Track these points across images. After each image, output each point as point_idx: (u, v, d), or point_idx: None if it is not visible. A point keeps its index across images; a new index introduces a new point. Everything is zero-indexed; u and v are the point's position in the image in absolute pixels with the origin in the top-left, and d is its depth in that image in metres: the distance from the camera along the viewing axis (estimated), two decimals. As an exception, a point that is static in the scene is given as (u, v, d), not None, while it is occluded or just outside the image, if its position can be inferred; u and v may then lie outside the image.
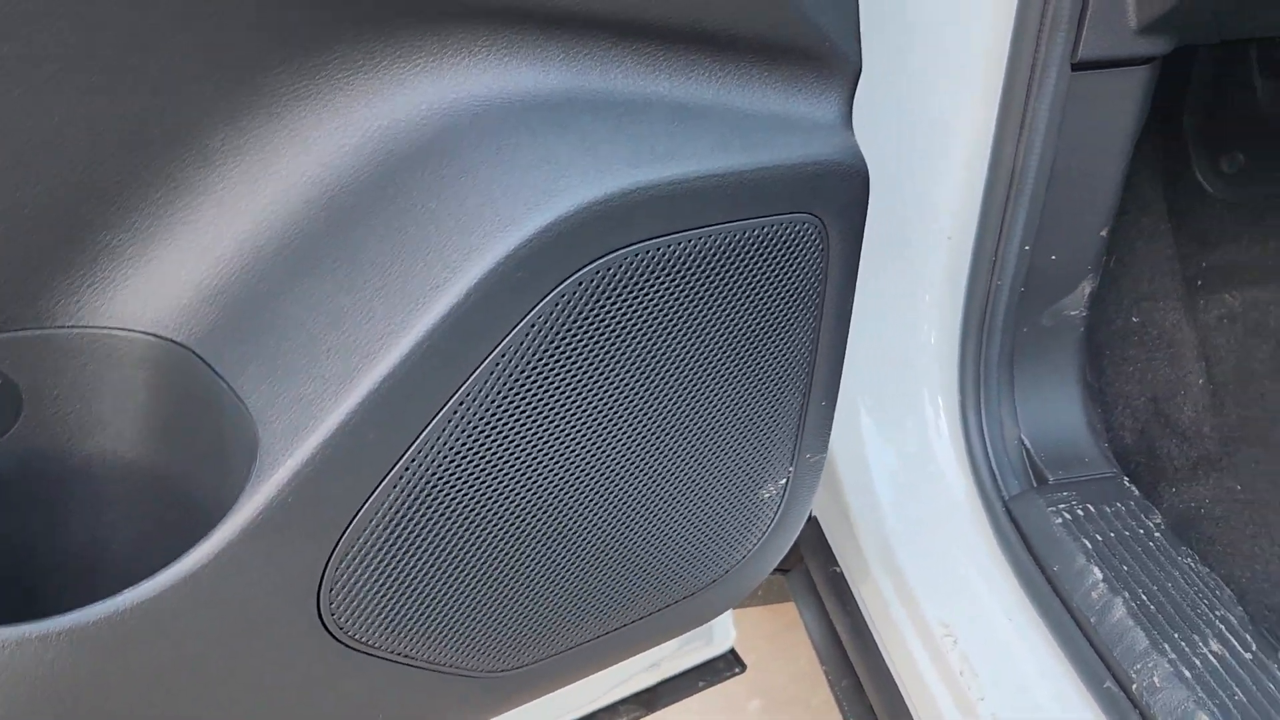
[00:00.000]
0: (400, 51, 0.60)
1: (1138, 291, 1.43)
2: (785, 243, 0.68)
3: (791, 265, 0.69)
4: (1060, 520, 1.03)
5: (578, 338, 0.62)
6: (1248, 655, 0.90)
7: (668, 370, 0.68)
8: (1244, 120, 1.59)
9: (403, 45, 0.60)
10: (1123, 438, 1.32)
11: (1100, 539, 1.02)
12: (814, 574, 1.29)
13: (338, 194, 0.60)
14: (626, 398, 0.67)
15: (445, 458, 0.60)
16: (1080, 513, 1.05)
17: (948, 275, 1.07)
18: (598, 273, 0.61)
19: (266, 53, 0.57)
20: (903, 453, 1.13)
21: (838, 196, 0.69)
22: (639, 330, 0.65)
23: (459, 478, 0.61)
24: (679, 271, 0.65)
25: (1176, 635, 0.92)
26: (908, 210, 1.06)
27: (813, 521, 1.28)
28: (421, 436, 0.58)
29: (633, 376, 0.66)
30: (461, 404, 0.59)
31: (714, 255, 0.66)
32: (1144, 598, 0.95)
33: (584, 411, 0.65)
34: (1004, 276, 1.06)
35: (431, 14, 0.60)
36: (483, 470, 0.62)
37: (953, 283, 1.08)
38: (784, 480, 0.81)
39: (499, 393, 0.60)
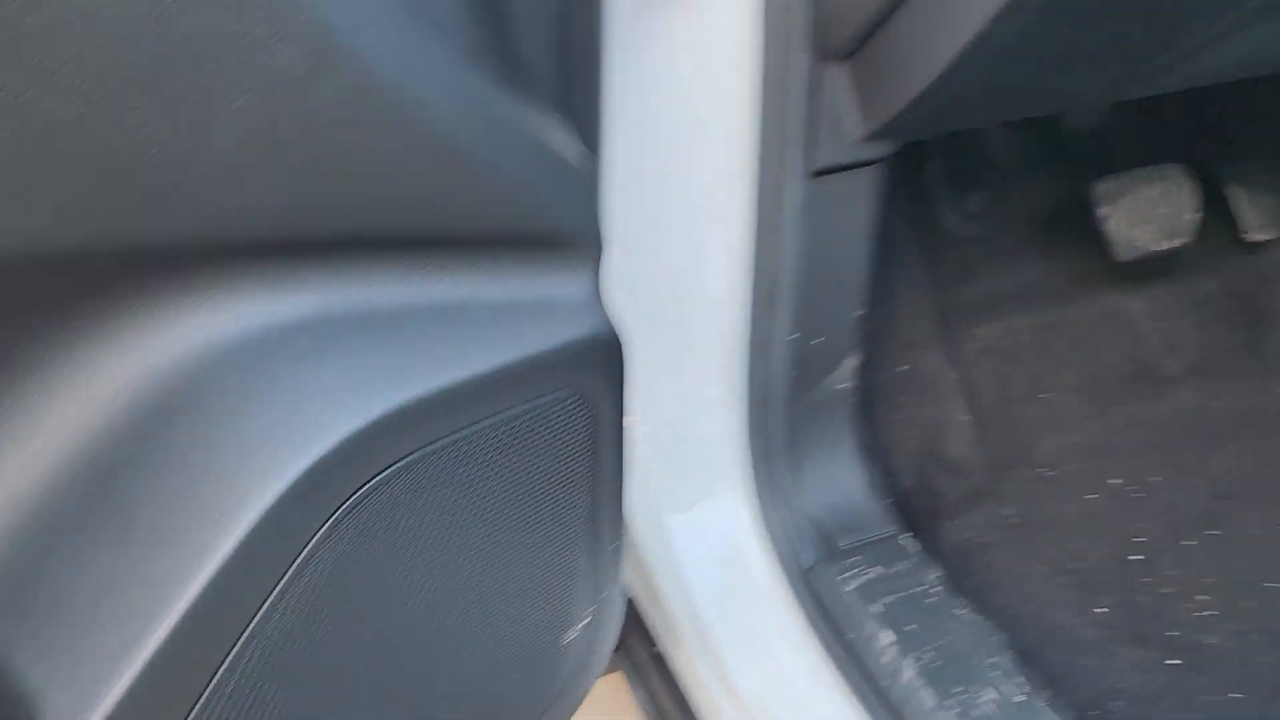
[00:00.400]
0: (145, 301, 0.60)
1: (902, 341, 1.55)
2: (552, 419, 0.72)
3: (560, 438, 0.73)
4: (851, 587, 1.12)
5: (358, 558, 0.64)
6: (1020, 698, 1.01)
7: (456, 558, 0.71)
8: (980, 161, 1.74)
9: (146, 295, 0.60)
10: (903, 483, 1.43)
11: (889, 600, 1.11)
12: (638, 655, 1.34)
13: (96, 453, 0.60)
14: (418, 596, 0.69)
15: (234, 704, 0.61)
16: (869, 576, 1.13)
17: (727, 371, 1.14)
18: (369, 494, 0.63)
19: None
20: (707, 540, 1.19)
21: (597, 369, 0.74)
22: (421, 531, 0.68)
23: (253, 714, 0.62)
24: (452, 469, 0.68)
25: (958, 689, 1.01)
26: (685, 318, 1.12)
27: (633, 605, 1.33)
28: (206, 692, 0.59)
29: (421, 576, 0.69)
30: (246, 649, 0.60)
31: (485, 446, 0.69)
32: (930, 655, 1.04)
33: (376, 621, 0.67)
34: (776, 365, 1.13)
35: (171, 261, 0.60)
36: (277, 700, 0.63)
37: (732, 377, 1.14)
38: (585, 620, 0.85)
39: (284, 631, 0.61)
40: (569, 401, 0.72)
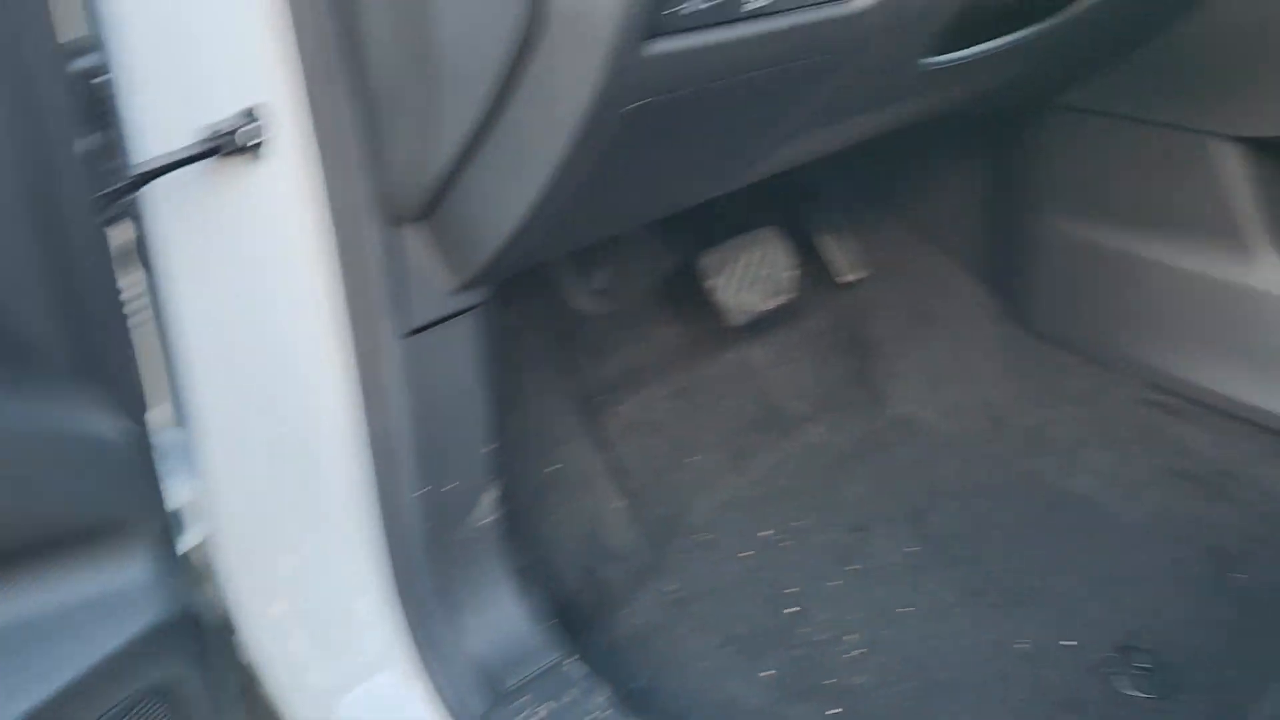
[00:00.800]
0: None
1: (548, 440, 1.56)
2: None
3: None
4: (524, 732, 1.10)
5: None
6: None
7: None
8: (599, 239, 1.79)
9: None
10: (567, 583, 1.43)
11: (564, 736, 1.11)
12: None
13: None
14: None
15: None
16: (540, 715, 1.13)
17: (363, 540, 1.09)
18: None
19: None
20: (377, 716, 1.14)
21: (173, 654, 0.67)
22: None
23: None
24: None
25: (640, 819, 1.03)
26: (313, 497, 1.07)
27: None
28: None
29: None
30: None
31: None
32: (608, 788, 1.05)
33: None
34: (410, 523, 1.10)
35: None
36: None
37: (369, 545, 1.09)
38: None
39: None
40: (142, 704, 0.65)
